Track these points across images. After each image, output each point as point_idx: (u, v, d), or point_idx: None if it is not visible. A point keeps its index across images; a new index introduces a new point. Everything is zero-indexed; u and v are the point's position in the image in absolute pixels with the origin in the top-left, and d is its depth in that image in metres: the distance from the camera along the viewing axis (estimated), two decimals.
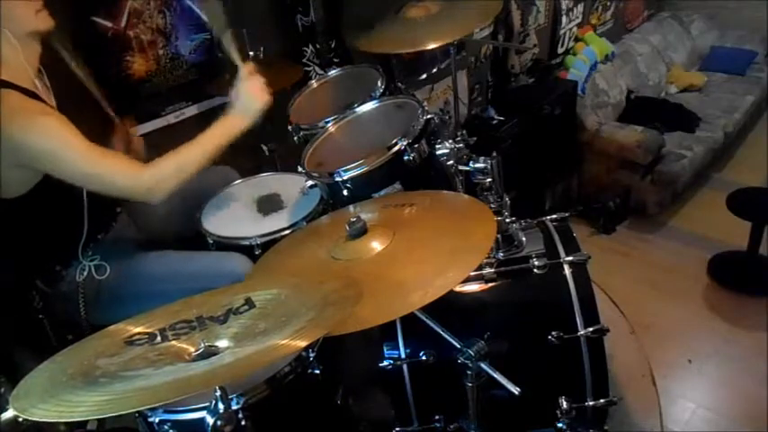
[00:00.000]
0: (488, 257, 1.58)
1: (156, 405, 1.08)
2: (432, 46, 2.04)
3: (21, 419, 1.00)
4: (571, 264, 1.56)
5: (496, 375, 1.23)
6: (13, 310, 1.59)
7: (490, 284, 1.57)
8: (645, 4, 4.40)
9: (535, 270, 1.55)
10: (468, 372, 1.28)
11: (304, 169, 1.74)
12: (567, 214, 1.77)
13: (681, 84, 4.11)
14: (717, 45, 4.46)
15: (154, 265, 1.65)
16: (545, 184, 3.36)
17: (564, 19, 3.64)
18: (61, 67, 1.59)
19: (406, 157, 1.63)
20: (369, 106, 1.94)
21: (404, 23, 2.14)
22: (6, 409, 1.14)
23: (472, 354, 1.25)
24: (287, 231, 1.69)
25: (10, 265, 1.54)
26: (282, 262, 1.44)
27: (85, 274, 1.57)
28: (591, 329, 1.49)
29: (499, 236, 1.58)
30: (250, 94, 1.62)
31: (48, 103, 1.47)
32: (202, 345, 0.97)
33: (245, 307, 1.05)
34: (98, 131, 1.79)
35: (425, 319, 1.30)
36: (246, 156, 2.15)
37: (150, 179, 1.46)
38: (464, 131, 2.02)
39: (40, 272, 1.58)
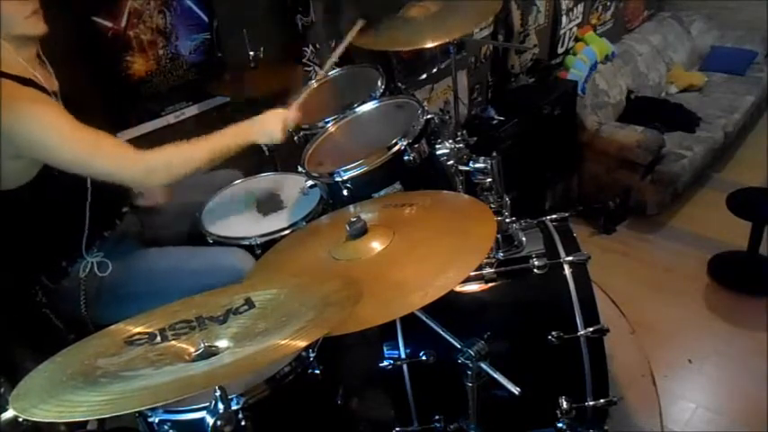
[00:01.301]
0: (488, 257, 1.58)
1: (157, 405, 1.08)
2: (431, 44, 2.04)
3: (21, 419, 1.00)
4: (571, 264, 1.56)
5: (496, 375, 1.23)
6: (15, 307, 1.59)
7: (490, 284, 1.57)
8: (645, 4, 4.40)
9: (535, 270, 1.55)
10: (468, 372, 1.28)
11: (304, 169, 1.74)
12: (567, 214, 1.77)
13: (681, 84, 4.11)
14: (717, 45, 4.46)
15: (154, 261, 1.65)
16: (545, 184, 3.36)
17: (564, 19, 3.64)
18: (63, 67, 1.59)
19: (406, 157, 1.63)
20: (369, 106, 1.94)
21: (404, 23, 2.14)
22: (6, 410, 1.14)
23: (472, 354, 1.25)
24: (287, 231, 1.69)
25: (15, 259, 1.54)
26: (282, 262, 1.43)
27: (87, 270, 1.57)
28: (591, 329, 1.49)
29: (499, 236, 1.58)
30: (273, 121, 1.66)
31: (46, 89, 1.45)
32: (202, 345, 0.97)
33: (245, 307, 1.05)
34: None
35: (425, 319, 1.30)
36: (246, 156, 2.14)
37: (147, 165, 1.46)
38: (464, 131, 2.02)
39: (45, 267, 1.58)
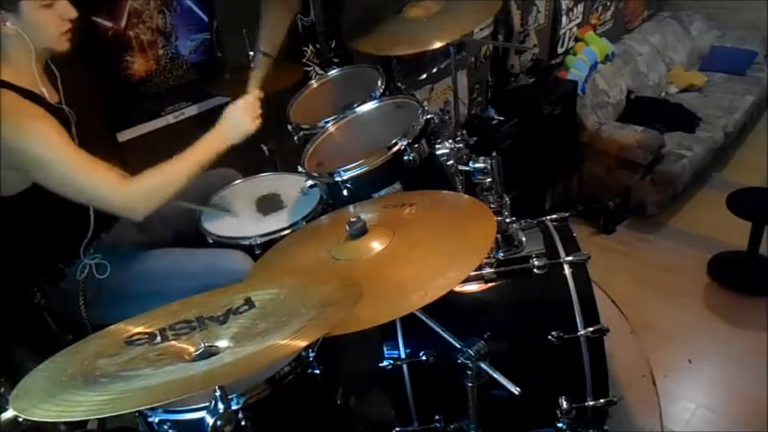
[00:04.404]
0: (488, 257, 1.58)
1: (156, 405, 1.08)
2: (433, 46, 2.04)
3: (21, 419, 1.00)
4: (571, 264, 1.55)
5: (496, 375, 1.23)
6: (14, 308, 1.59)
7: (490, 284, 1.57)
8: (645, 4, 4.40)
9: (535, 270, 1.55)
10: (468, 372, 1.28)
11: (304, 169, 1.74)
12: (567, 214, 1.77)
13: (681, 84, 4.12)
14: (717, 45, 4.46)
15: (154, 263, 1.65)
16: (545, 184, 3.36)
17: (564, 19, 3.65)
18: (63, 67, 1.59)
19: (406, 157, 1.63)
20: (369, 106, 1.94)
21: (404, 23, 2.14)
22: (6, 409, 1.14)
23: (472, 354, 1.25)
24: (287, 231, 1.69)
25: (13, 260, 1.54)
26: (282, 262, 1.43)
27: (86, 272, 1.57)
28: (591, 329, 1.49)
29: (499, 236, 1.58)
30: (241, 116, 1.63)
31: (48, 101, 1.46)
32: (202, 345, 0.97)
33: (245, 307, 1.05)
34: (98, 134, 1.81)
35: (425, 319, 1.30)
36: (246, 156, 2.15)
37: (136, 195, 1.45)
38: (464, 131, 2.02)
39: (43, 269, 1.58)
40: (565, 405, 1.50)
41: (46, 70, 1.52)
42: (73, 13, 1.44)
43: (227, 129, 1.61)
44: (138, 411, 1.16)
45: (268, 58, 1.77)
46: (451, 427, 1.56)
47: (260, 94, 1.69)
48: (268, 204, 1.86)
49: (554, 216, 1.76)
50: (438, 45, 2.02)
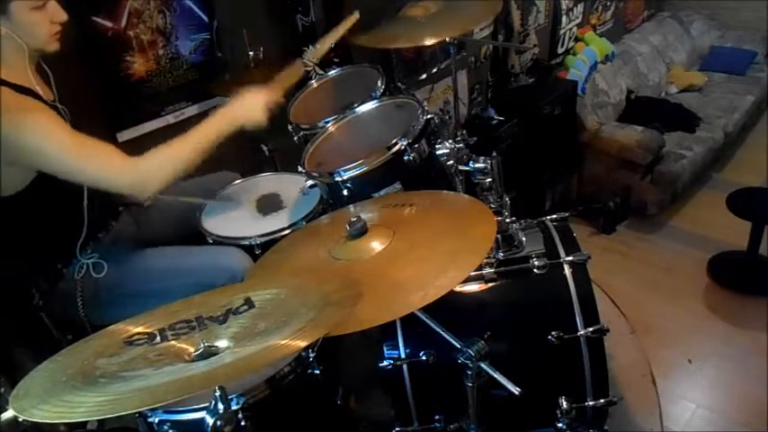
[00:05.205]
0: (488, 257, 1.59)
1: (156, 405, 1.08)
2: (430, 42, 2.05)
3: (21, 420, 1.00)
4: (571, 264, 1.56)
5: (496, 375, 1.23)
6: (13, 309, 1.59)
7: (490, 284, 1.58)
8: (645, 4, 4.40)
9: (535, 270, 1.55)
10: (468, 372, 1.28)
11: (304, 169, 1.74)
12: (567, 214, 1.77)
13: (681, 84, 4.11)
14: (717, 45, 4.46)
15: (151, 261, 1.65)
16: (545, 184, 3.36)
17: (564, 19, 3.64)
18: (62, 66, 1.59)
19: (406, 157, 1.63)
20: (369, 106, 1.94)
21: (405, 22, 2.14)
22: (6, 410, 1.14)
23: (472, 354, 1.25)
24: (287, 231, 1.69)
25: (11, 262, 1.54)
26: (282, 262, 1.44)
27: (83, 272, 1.57)
28: (591, 329, 1.49)
29: (499, 236, 1.58)
30: (253, 103, 1.64)
31: (42, 97, 1.46)
32: (202, 345, 0.97)
33: (245, 307, 1.05)
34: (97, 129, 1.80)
35: (425, 319, 1.30)
36: (246, 156, 2.15)
37: (140, 173, 1.46)
38: (464, 131, 2.02)
39: (41, 269, 1.58)
40: (565, 405, 1.50)
41: (38, 69, 1.52)
42: (63, 16, 1.44)
43: (239, 110, 1.62)
44: (137, 412, 1.16)
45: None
46: (451, 427, 1.56)
47: (281, 96, 1.74)
48: (268, 204, 1.86)
49: (554, 216, 1.76)
50: (437, 41, 2.03)
